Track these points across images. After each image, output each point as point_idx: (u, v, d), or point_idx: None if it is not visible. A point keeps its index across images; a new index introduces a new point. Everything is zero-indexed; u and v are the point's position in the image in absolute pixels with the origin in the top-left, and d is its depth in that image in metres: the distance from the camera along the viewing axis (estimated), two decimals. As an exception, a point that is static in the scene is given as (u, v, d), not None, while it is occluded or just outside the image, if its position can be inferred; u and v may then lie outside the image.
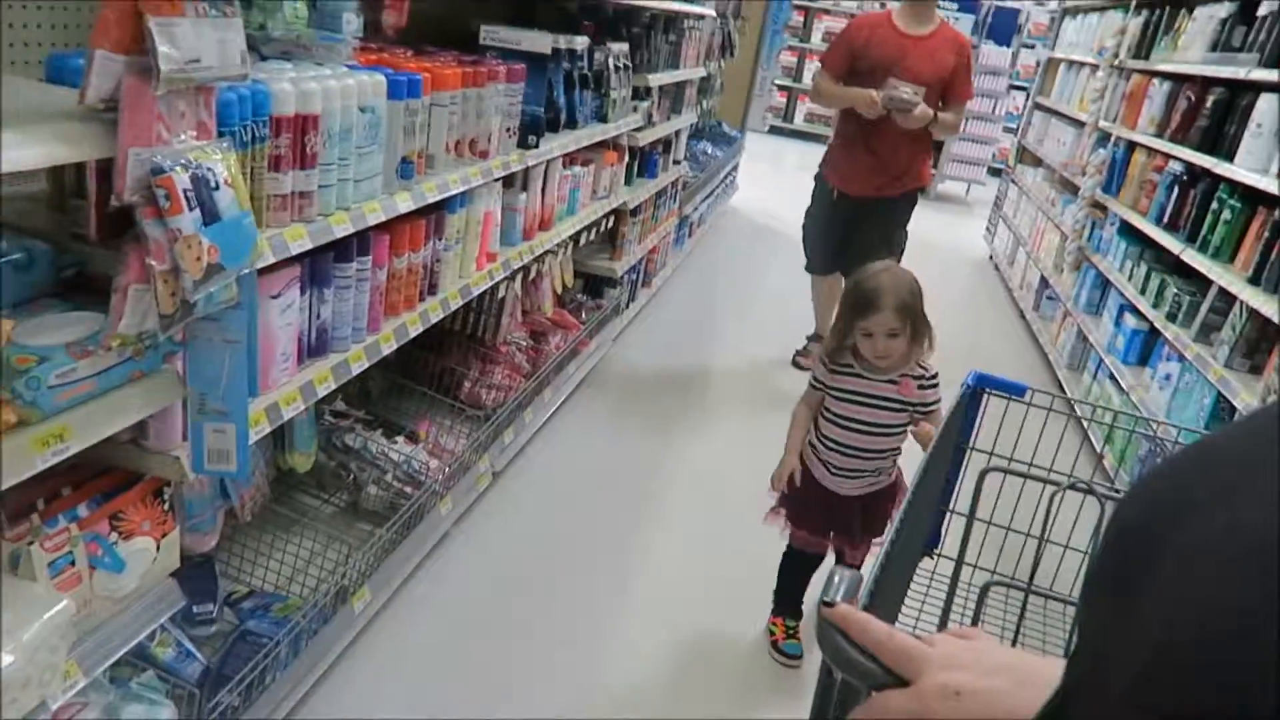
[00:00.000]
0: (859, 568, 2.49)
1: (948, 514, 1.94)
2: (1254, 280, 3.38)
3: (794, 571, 2.74)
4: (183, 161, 1.29)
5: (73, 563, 1.46)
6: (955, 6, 10.61)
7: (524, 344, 3.73)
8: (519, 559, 3.03)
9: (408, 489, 2.78)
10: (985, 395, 1.91)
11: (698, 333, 5.46)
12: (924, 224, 9.49)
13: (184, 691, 1.89)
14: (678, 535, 3.33)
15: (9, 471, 1.25)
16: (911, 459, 2.02)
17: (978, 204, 10.86)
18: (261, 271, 1.78)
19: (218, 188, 1.34)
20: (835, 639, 0.83)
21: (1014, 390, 1.89)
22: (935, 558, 1.97)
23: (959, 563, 1.85)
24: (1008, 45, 10.92)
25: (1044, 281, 6.24)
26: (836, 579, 0.93)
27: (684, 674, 2.62)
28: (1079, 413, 2.09)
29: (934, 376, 2.42)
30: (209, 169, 1.33)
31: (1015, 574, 1.88)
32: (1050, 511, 1.67)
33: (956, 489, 1.93)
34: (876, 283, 2.31)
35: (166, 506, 1.66)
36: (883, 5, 10.12)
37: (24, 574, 1.41)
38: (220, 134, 1.43)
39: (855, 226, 4.48)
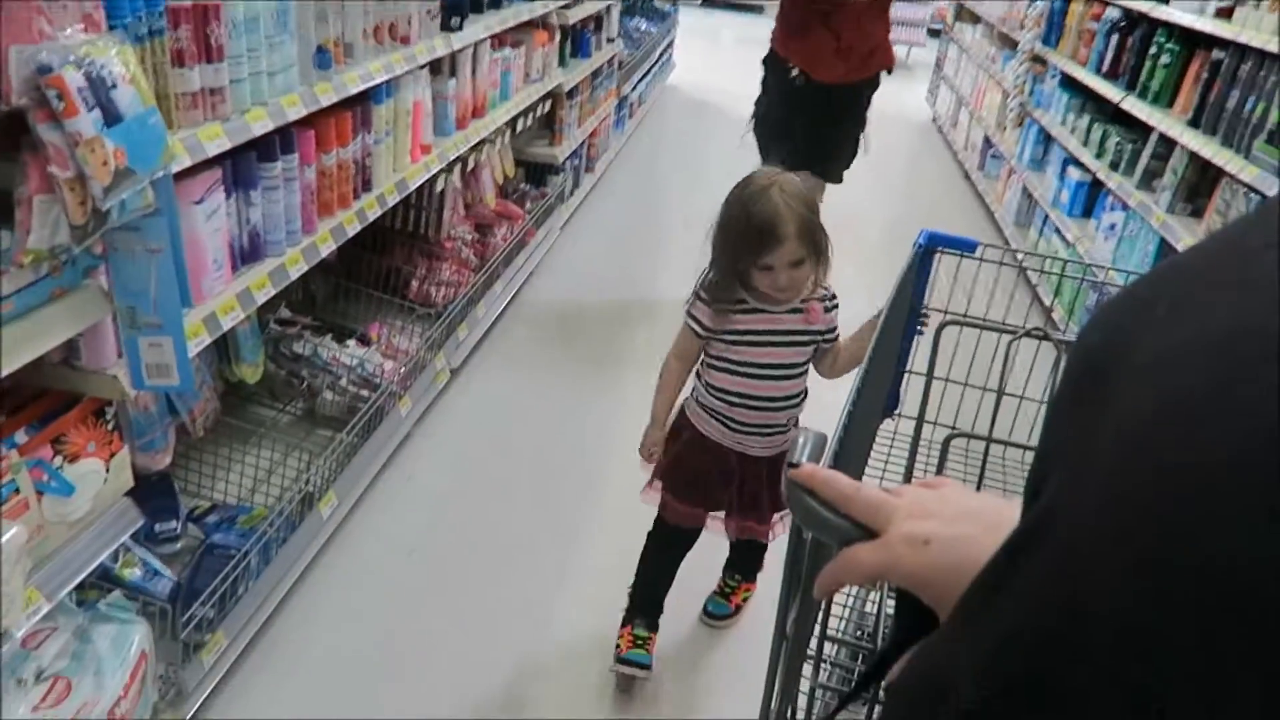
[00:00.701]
0: (764, 548, 2.27)
1: (905, 375, 1.96)
2: (1194, 123, 3.38)
3: (663, 557, 2.23)
4: (72, 59, 1.19)
5: (17, 490, 1.41)
6: None
7: (469, 238, 3.65)
8: (483, 455, 3.03)
9: (364, 392, 2.74)
10: (937, 254, 1.89)
11: (646, 216, 5.38)
12: (867, 90, 9.42)
13: (155, 608, 1.88)
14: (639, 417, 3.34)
15: (-68, 401, 1.19)
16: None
17: (918, 67, 10.69)
18: (179, 176, 1.69)
19: (115, 86, 1.25)
20: (803, 498, 0.82)
21: (965, 246, 1.88)
22: (895, 419, 2.00)
23: (919, 421, 1.87)
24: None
25: (987, 141, 6.22)
26: (801, 440, 0.92)
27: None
28: (1029, 265, 2.10)
29: (834, 297, 2.02)
30: (103, 65, 1.23)
31: (974, 428, 1.91)
32: (1007, 361, 1.69)
33: (913, 350, 1.94)
34: (770, 207, 1.83)
35: (111, 426, 1.61)
36: None
37: (-33, 506, 1.36)
38: (111, 27, 1.32)
39: (823, 118, 3.85)
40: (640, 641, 2.18)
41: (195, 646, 1.93)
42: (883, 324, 1.57)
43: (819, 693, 1.23)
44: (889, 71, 3.94)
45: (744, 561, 2.40)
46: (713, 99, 8.15)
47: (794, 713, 1.26)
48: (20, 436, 1.48)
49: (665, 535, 2.19)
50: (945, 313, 1.87)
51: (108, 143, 1.22)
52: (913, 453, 1.88)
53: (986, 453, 1.82)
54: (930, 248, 1.87)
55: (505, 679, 2.18)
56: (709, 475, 2.07)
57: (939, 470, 1.84)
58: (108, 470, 1.59)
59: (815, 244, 1.87)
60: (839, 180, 4.00)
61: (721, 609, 2.42)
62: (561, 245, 4.56)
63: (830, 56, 3.73)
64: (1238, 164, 2.93)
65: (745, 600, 2.45)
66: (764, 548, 2.28)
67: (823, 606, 1.19)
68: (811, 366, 2.05)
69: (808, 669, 1.25)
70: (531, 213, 4.08)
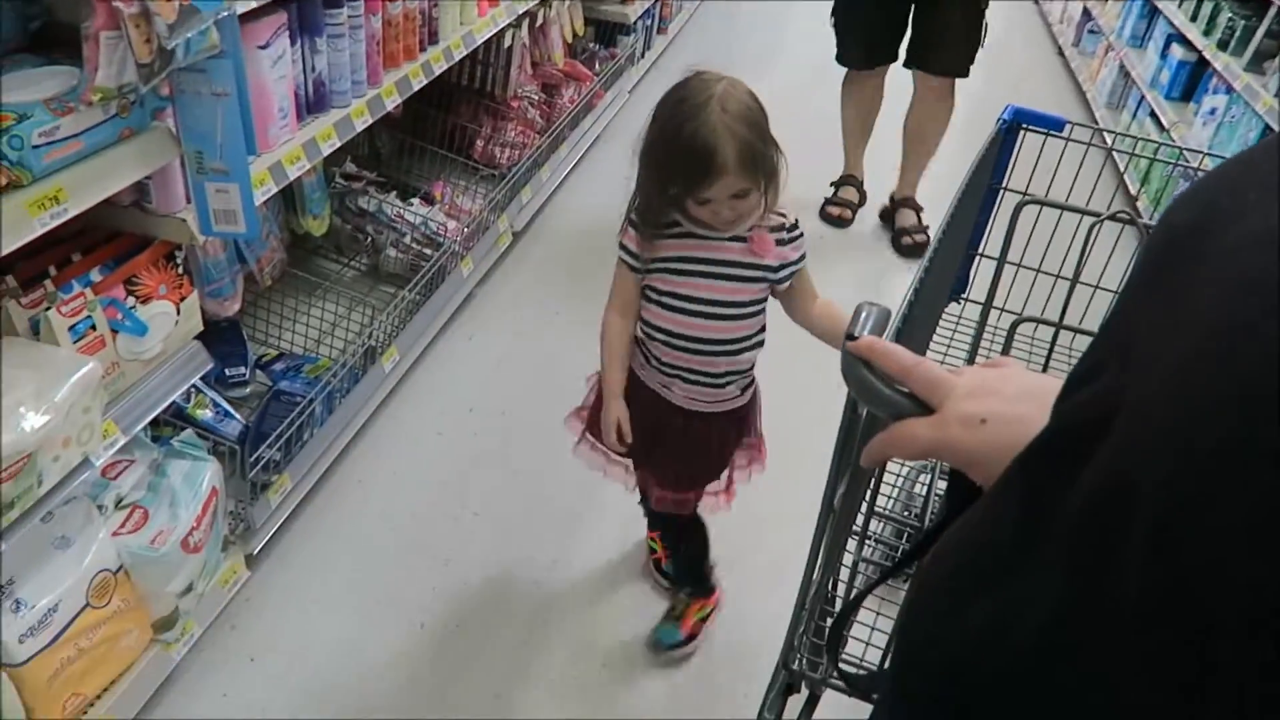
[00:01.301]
0: (691, 530, 1.95)
1: (976, 258, 1.89)
2: (1321, -3, 3.11)
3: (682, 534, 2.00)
4: (136, -116, 1.16)
5: (93, 327, 1.46)
6: None
7: (536, 98, 3.57)
8: (542, 320, 3.04)
9: (427, 250, 2.75)
10: (1021, 131, 1.80)
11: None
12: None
13: (225, 448, 1.96)
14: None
15: (8, 236, 1.22)
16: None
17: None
18: (244, 19, 1.66)
19: (180, -84, 1.21)
20: (860, 371, 0.80)
21: (1052, 125, 1.78)
22: (962, 303, 1.95)
23: (987, 305, 1.82)
24: None
25: (1086, 13, 5.83)
26: (864, 314, 0.90)
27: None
28: (1119, 147, 1.98)
29: (794, 227, 1.66)
30: (167, -107, 1.20)
31: (1045, 315, 1.85)
32: (1086, 247, 1.62)
33: (987, 232, 1.87)
34: (706, 129, 1.47)
35: (180, 270, 1.64)
36: None
37: (46, 339, 1.41)
38: None
39: (929, 3, 3.21)
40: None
41: (262, 486, 2.02)
42: (957, 203, 1.51)
43: (861, 566, 1.24)
44: None
45: (681, 563, 2.06)
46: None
47: (835, 585, 1.28)
48: (95, 275, 1.52)
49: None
50: (1025, 194, 1.79)
51: (171, -23, 1.20)
52: (978, 337, 1.84)
53: (1054, 340, 1.77)
54: (1015, 124, 1.78)
55: (556, 537, 2.25)
56: (641, 421, 1.73)
57: (1003, 353, 1.80)
58: (178, 313, 1.63)
59: (762, 171, 1.52)
60: (963, 73, 3.31)
61: (672, 636, 1.99)
62: (630, 110, 4.44)
63: None
64: (1363, 46, 2.70)
65: (702, 620, 2.02)
66: (691, 529, 1.95)
67: (871, 483, 1.19)
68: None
69: (852, 544, 1.26)
70: (600, 74, 3.96)
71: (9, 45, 1.37)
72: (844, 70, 3.59)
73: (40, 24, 1.43)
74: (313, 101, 1.95)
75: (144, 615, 1.70)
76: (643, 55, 4.69)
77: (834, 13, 3.47)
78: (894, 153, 3.69)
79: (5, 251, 1.22)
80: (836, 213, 3.76)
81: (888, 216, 3.75)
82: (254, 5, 1.60)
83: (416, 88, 2.31)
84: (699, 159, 1.47)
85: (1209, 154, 1.99)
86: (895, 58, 3.43)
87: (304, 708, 1.85)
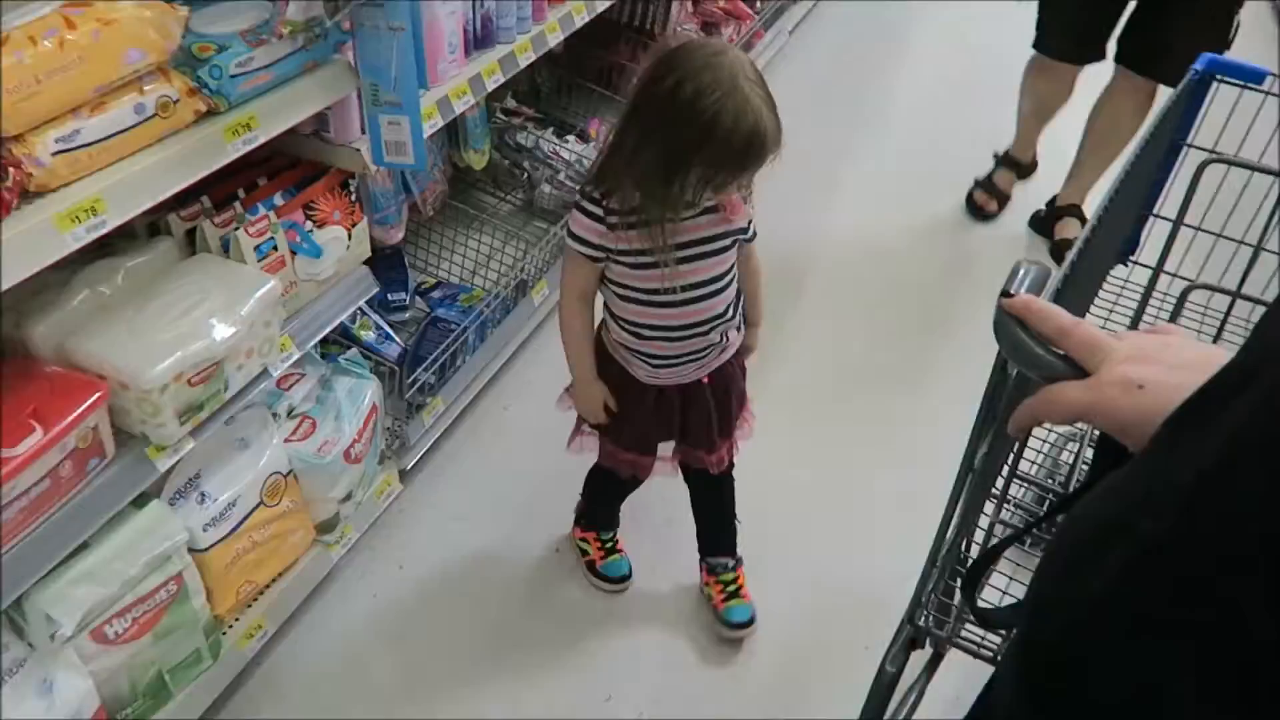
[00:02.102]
0: (724, 474, 1.87)
1: (1150, 218, 1.78)
2: None
3: (610, 493, 1.99)
4: None
5: (275, 248, 1.57)
6: None
7: (696, 35, 3.53)
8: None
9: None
10: (1215, 84, 1.67)
11: (881, 27, 4.98)
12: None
13: (385, 368, 2.09)
14: (843, 243, 3.26)
15: (206, 160, 1.33)
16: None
17: None
18: (421, -46, 1.72)
19: None
20: (1013, 330, 0.78)
21: (1251, 76, 1.64)
22: (1130, 266, 1.84)
23: (1158, 269, 1.72)
24: None
25: (1309, -49, 5.27)
26: (1021, 271, 0.87)
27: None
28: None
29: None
30: None
31: (1221, 283, 1.74)
32: (1276, 212, 1.50)
33: (1165, 191, 1.75)
34: (751, 111, 1.37)
35: (353, 197, 1.74)
36: None
37: (235, 257, 1.54)
38: None
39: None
40: (608, 544, 2.04)
41: (417, 407, 2.14)
42: (1133, 160, 1.42)
43: (997, 528, 1.22)
44: None
45: (714, 527, 1.98)
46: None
47: (969, 545, 1.27)
48: (278, 199, 1.64)
49: (609, 477, 1.89)
50: (1212, 151, 1.67)
51: (357, -84, 1.25)
52: (1144, 301, 1.74)
53: (1230, 310, 1.66)
54: (1208, 75, 1.65)
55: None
56: (646, 415, 1.73)
57: (1171, 320, 1.70)
58: (350, 238, 1.73)
59: None
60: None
61: (744, 611, 1.94)
62: (789, 51, 4.34)
63: None
64: None
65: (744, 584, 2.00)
66: (722, 485, 1.91)
67: (1015, 445, 1.16)
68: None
69: (989, 506, 1.24)
70: (761, 13, 3.88)
71: (209, -21, 1.47)
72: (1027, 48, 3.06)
73: (238, -41, 1.52)
74: (480, 37, 2.00)
75: (309, 517, 1.84)
76: (807, -7, 4.56)
77: None
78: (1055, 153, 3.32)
79: (204, 175, 1.33)
80: (982, 201, 3.30)
81: (1041, 225, 3.23)
82: (430, -58, 1.64)
83: (579, 24, 2.33)
84: (752, 145, 1.39)
85: None
86: (1105, 55, 2.89)
87: (445, 613, 1.98)
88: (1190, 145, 1.70)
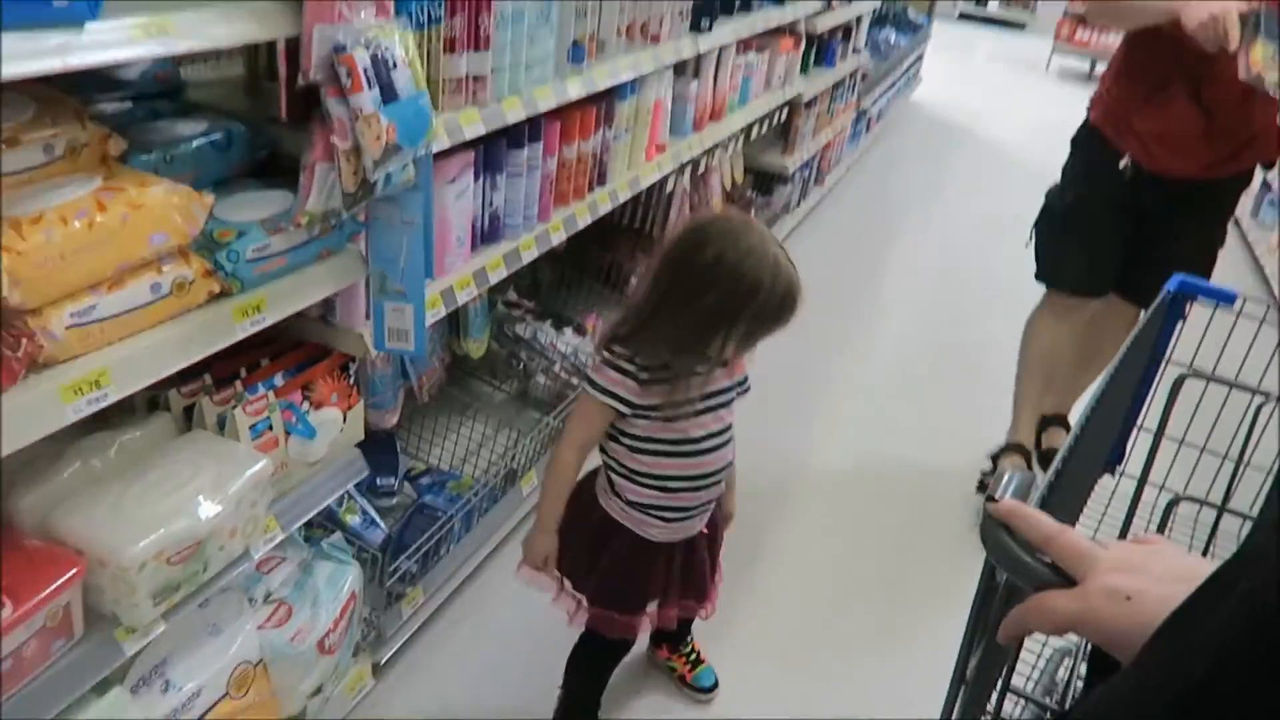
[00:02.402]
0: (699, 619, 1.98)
1: (1135, 430, 1.81)
2: None
3: (599, 669, 2.00)
4: (363, 40, 1.31)
5: (270, 427, 1.57)
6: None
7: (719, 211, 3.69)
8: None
9: (574, 380, 2.84)
10: (1189, 303, 1.74)
11: (870, 240, 5.24)
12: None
13: (368, 555, 2.04)
14: (845, 443, 3.28)
15: (213, 339, 1.35)
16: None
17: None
18: (437, 156, 1.81)
19: (395, 67, 1.36)
20: (1000, 535, 0.79)
21: (1222, 297, 1.71)
22: (1116, 476, 1.85)
23: (1142, 479, 1.72)
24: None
25: (1265, 185, 5.63)
26: (1006, 477, 0.88)
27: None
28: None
29: None
30: (387, 48, 1.35)
31: (1208, 497, 1.74)
32: (1256, 427, 1.53)
33: (1146, 404, 1.79)
34: (782, 269, 1.55)
35: (352, 381, 1.75)
36: None
37: (229, 434, 1.53)
38: (398, 13, 1.44)
39: (1160, 224, 2.68)
40: None
41: (397, 596, 2.08)
42: (1115, 371, 1.46)
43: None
44: (1269, 166, 2.69)
45: (682, 633, 2.14)
46: (959, 120, 7.87)
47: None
48: (279, 380, 1.65)
49: (603, 650, 1.92)
50: (1189, 367, 1.72)
51: (382, 119, 1.34)
52: (1131, 512, 1.74)
53: (1217, 524, 1.66)
54: (1182, 295, 1.72)
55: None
56: (656, 576, 1.80)
57: (1159, 532, 1.69)
58: (345, 421, 1.74)
59: None
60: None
61: (710, 675, 2.15)
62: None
63: (1192, 141, 2.51)
64: None
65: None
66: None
67: (1009, 658, 1.13)
68: None
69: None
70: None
71: (236, 169, 1.55)
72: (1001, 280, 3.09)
73: (266, 153, 1.61)
74: (487, 232, 2.08)
75: (275, 711, 1.74)
76: (798, 204, 4.81)
77: (1043, 233, 2.86)
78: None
79: (208, 353, 1.35)
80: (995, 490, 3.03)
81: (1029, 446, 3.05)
82: (447, 145, 1.74)
83: (582, 225, 2.44)
84: (787, 301, 1.56)
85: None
86: (1123, 286, 2.83)
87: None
88: (1168, 361, 1.74)
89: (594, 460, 1.79)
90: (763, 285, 1.52)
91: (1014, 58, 11.12)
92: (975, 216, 5.47)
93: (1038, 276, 2.91)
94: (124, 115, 1.49)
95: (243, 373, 1.65)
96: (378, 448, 2.33)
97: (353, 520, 2.14)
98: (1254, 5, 2.18)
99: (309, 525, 1.95)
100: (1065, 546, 0.71)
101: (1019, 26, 12.70)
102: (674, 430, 1.65)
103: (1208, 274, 2.66)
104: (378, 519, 2.19)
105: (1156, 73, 2.51)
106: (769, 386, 3.56)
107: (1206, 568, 0.60)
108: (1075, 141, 2.79)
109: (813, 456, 3.18)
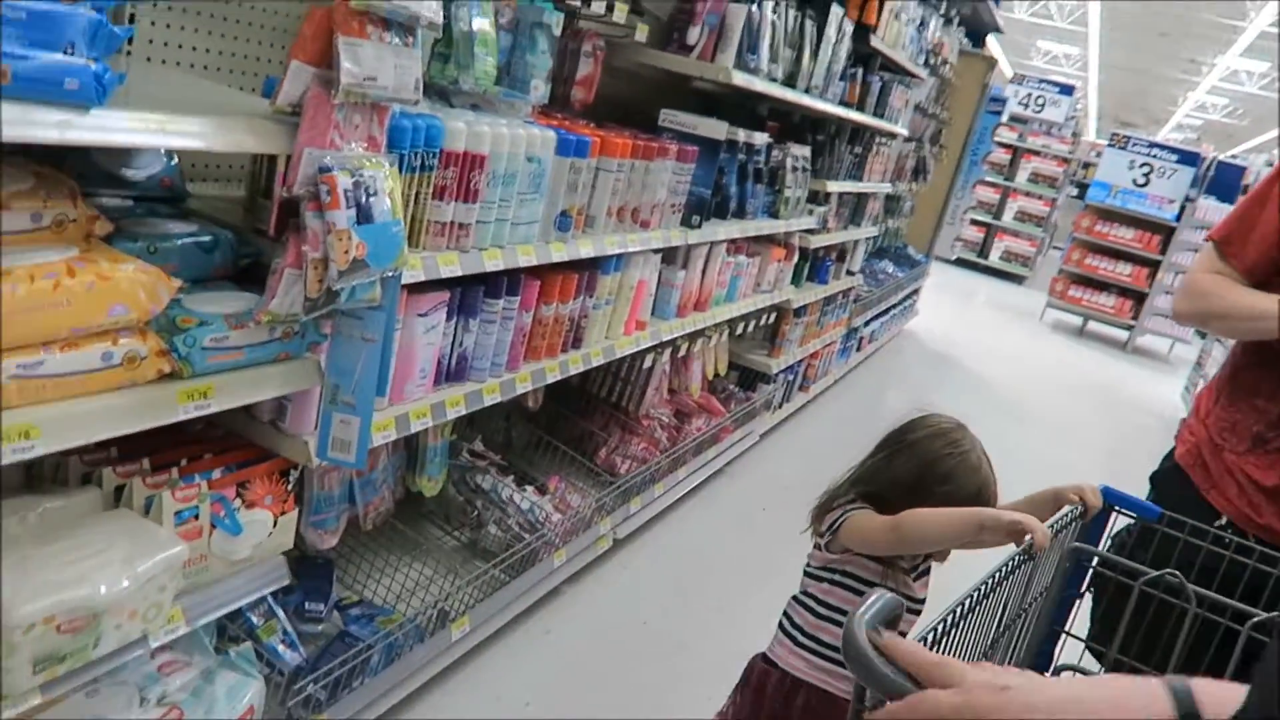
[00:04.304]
0: None
1: (1062, 636, 1.80)
2: None
3: None
4: (348, 166, 1.45)
5: (196, 516, 1.59)
6: (1175, 158, 10.22)
7: (667, 421, 3.78)
8: (625, 635, 3.01)
9: (526, 534, 2.84)
10: (1113, 513, 1.78)
11: (850, 446, 5.32)
12: (1114, 374, 9.04)
13: (279, 678, 1.99)
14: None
15: (153, 415, 1.40)
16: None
17: (1179, 363, 10.18)
18: (412, 289, 1.93)
19: (375, 194, 1.49)
20: (867, 657, 0.81)
21: (1145, 512, 1.76)
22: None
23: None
24: (1231, 203, 10.35)
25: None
26: (874, 597, 0.91)
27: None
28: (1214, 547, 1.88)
29: None
30: (371, 176, 1.48)
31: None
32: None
33: (1075, 611, 1.80)
34: (985, 474, 1.77)
35: (290, 487, 1.79)
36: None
37: (154, 517, 1.55)
38: (390, 150, 1.58)
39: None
40: None
41: (300, 722, 2.01)
42: (1036, 575, 1.48)
43: None
44: None
45: None
46: (953, 353, 8.14)
47: None
48: (216, 473, 1.69)
49: None
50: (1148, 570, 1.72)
51: (354, 236, 1.45)
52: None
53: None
54: (1107, 505, 1.77)
55: None
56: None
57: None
58: (275, 525, 1.76)
59: None
60: None
61: None
62: (757, 453, 4.60)
63: None
64: None
65: None
66: None
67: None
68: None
69: None
70: (733, 413, 4.18)
71: (218, 272, 1.65)
72: None
73: (250, 261, 1.72)
74: (452, 371, 2.17)
75: (142, 822, 1.66)
76: (780, 405, 4.92)
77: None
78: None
79: (144, 427, 1.40)
80: None
81: None
82: (423, 279, 1.86)
83: (550, 380, 2.53)
84: (981, 496, 1.72)
85: None
86: None
87: None
88: (1093, 567, 1.75)
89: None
90: (962, 473, 1.73)
91: (1010, 306, 11.61)
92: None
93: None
94: (121, 208, 1.62)
95: (182, 462, 1.69)
96: (314, 571, 2.33)
97: (271, 639, 2.09)
98: None
99: (222, 636, 1.92)
100: (928, 663, 0.75)
101: (1018, 280, 13.32)
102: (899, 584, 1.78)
103: None
104: (297, 642, 2.15)
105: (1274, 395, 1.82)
106: (729, 578, 3.52)
107: (1083, 688, 0.70)
108: (1152, 479, 2.08)
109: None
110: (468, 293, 2.13)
